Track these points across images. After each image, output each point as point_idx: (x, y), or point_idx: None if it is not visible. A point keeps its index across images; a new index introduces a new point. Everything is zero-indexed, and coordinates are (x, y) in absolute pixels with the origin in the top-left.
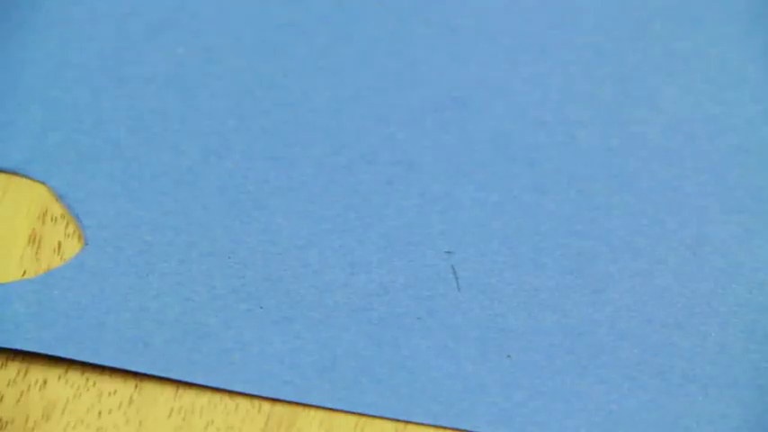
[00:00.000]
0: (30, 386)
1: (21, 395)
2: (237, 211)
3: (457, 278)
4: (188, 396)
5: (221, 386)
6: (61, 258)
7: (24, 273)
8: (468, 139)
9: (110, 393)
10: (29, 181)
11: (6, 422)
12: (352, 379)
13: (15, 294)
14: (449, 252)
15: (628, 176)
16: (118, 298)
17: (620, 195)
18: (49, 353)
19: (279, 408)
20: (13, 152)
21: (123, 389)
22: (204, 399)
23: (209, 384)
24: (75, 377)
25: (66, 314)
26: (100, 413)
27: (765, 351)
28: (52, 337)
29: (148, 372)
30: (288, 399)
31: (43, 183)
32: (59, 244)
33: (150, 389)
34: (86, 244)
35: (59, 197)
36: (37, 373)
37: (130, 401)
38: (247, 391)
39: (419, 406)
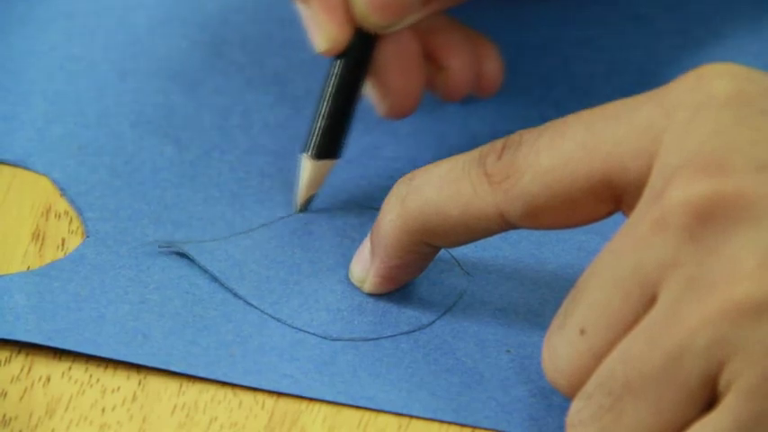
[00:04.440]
0: (33, 383)
1: (24, 391)
2: (239, 206)
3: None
4: (191, 392)
5: (221, 379)
6: (65, 255)
7: (28, 269)
8: (471, 134)
9: (113, 390)
10: (32, 176)
11: (10, 418)
12: (351, 373)
13: (16, 286)
14: None
15: None
16: (118, 290)
17: None
18: (50, 344)
19: (282, 404)
20: (16, 145)
21: (127, 385)
22: (207, 395)
23: (209, 377)
24: (78, 373)
25: (66, 306)
26: (103, 410)
27: None
28: (52, 329)
29: (148, 364)
30: (287, 392)
31: (46, 175)
32: (63, 240)
33: (154, 385)
34: (87, 236)
35: (61, 190)
36: (41, 369)
37: (134, 398)
38: (247, 384)
39: (418, 400)
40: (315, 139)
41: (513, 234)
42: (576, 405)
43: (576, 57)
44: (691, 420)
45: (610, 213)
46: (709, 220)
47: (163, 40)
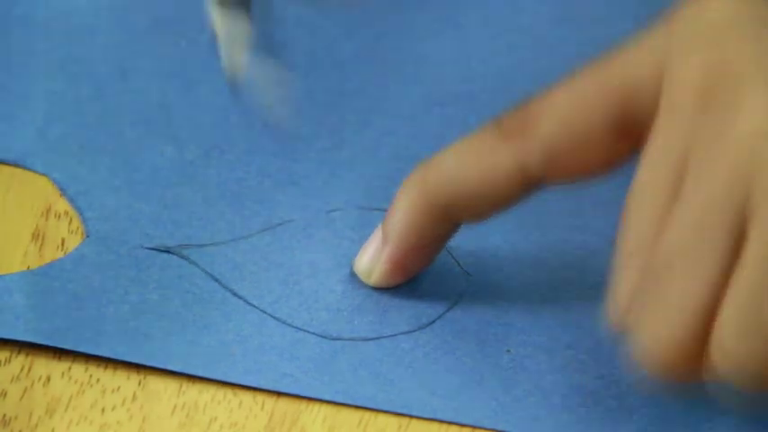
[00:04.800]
0: (33, 382)
1: (24, 391)
2: (239, 206)
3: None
4: (191, 392)
5: (221, 378)
6: (65, 255)
7: (28, 269)
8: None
9: (113, 390)
10: (32, 175)
11: (10, 418)
12: (351, 373)
13: (16, 286)
14: (450, 247)
15: (627, 171)
16: (118, 290)
17: (621, 190)
18: (50, 344)
19: (282, 404)
20: (16, 144)
21: (127, 385)
22: (207, 395)
23: (209, 377)
24: (78, 373)
25: (66, 306)
26: (103, 409)
27: None
28: (53, 329)
29: (148, 363)
30: (287, 391)
31: (45, 175)
32: (63, 240)
33: (154, 385)
34: (87, 236)
35: (61, 190)
36: (41, 369)
37: (134, 398)
38: (246, 384)
39: (418, 400)
40: None
41: (513, 234)
42: (618, 284)
43: (575, 57)
44: (730, 271)
45: (630, 153)
46: (715, 88)
47: (163, 40)
